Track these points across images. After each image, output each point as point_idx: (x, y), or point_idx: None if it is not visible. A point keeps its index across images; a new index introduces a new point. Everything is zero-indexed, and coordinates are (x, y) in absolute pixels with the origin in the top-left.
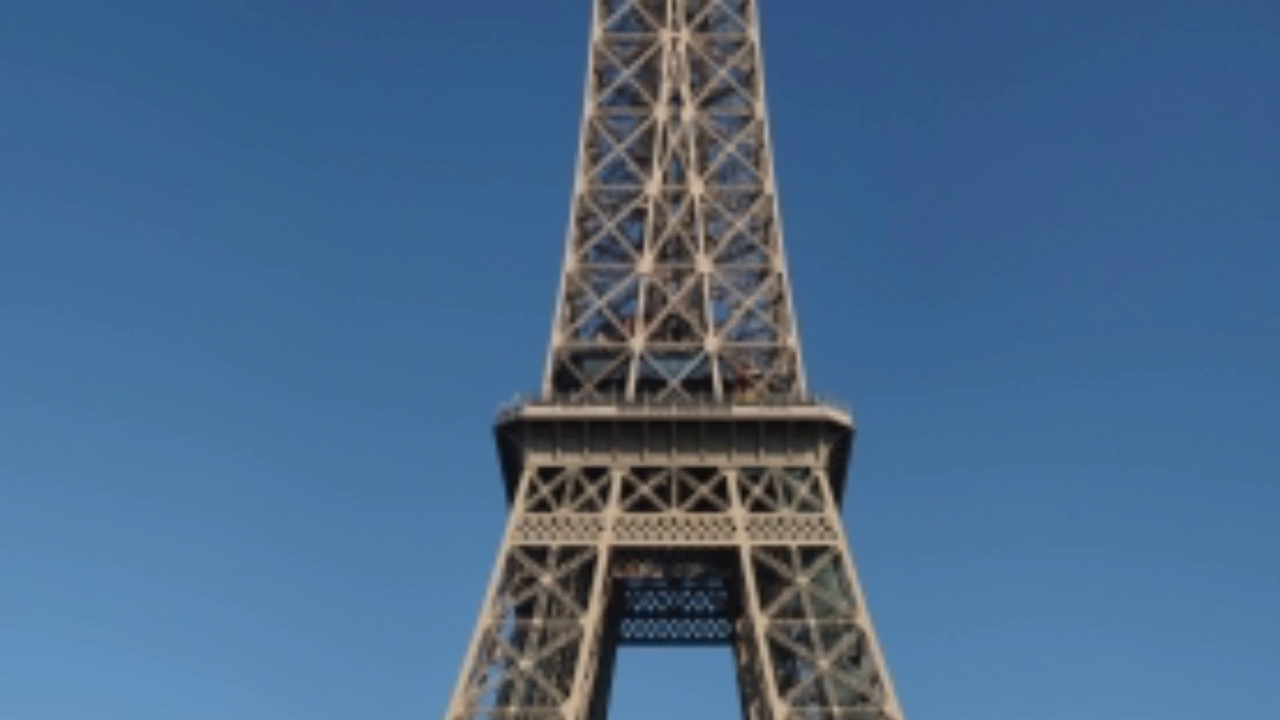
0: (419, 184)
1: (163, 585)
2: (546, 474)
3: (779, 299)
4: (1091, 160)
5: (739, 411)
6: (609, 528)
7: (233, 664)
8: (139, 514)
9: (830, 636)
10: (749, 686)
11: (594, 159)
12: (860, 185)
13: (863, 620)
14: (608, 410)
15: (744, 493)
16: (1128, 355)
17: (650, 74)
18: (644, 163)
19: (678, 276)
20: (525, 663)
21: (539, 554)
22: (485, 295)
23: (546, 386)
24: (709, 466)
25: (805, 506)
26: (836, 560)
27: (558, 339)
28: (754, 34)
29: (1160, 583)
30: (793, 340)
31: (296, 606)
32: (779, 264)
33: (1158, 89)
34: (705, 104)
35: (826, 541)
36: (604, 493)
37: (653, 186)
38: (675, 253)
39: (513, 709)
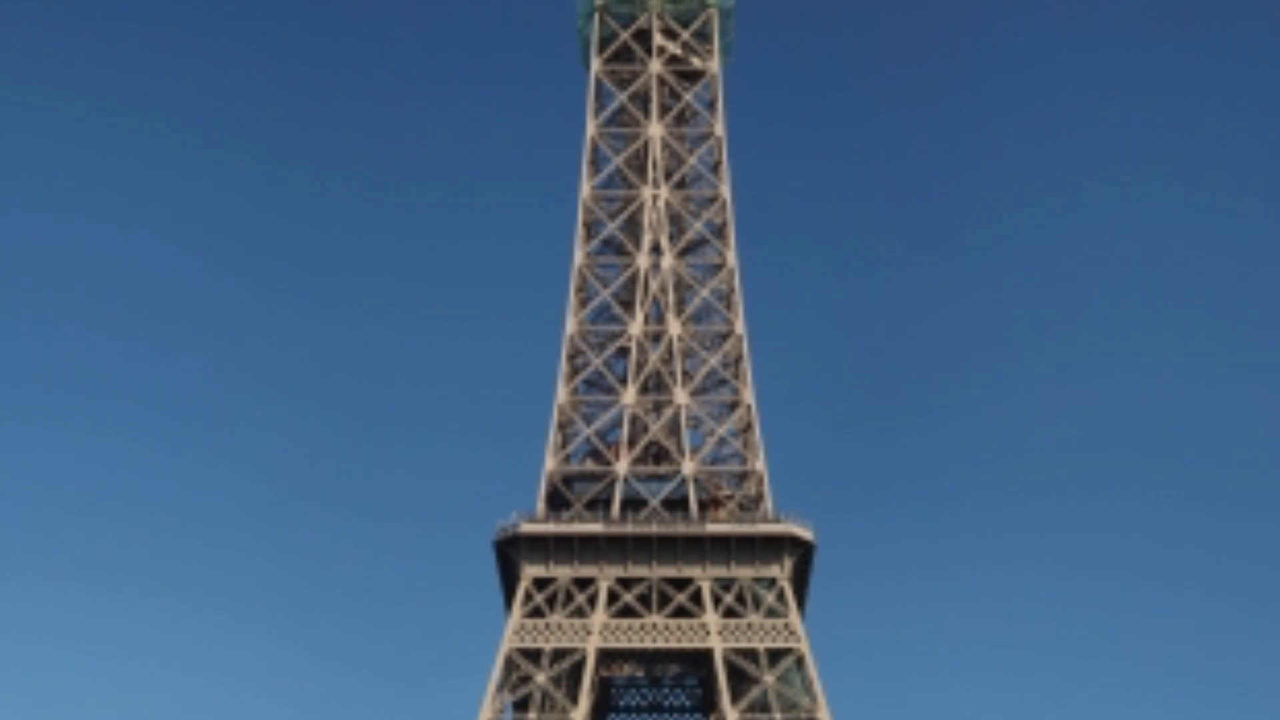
0: (428, 324)
1: (193, 683)
2: (540, 584)
3: (748, 427)
4: (1026, 302)
5: (712, 528)
6: (596, 632)
7: None
8: (173, 618)
9: None
10: None
11: (583, 302)
12: (821, 325)
13: (823, 715)
14: (595, 527)
15: (717, 601)
16: (1060, 476)
17: (633, 226)
18: (628, 306)
19: (658, 407)
20: None
21: (534, 655)
22: (486, 424)
23: (540, 506)
24: (686, 577)
25: (772, 613)
26: (800, 661)
27: (550, 463)
28: (726, 191)
29: (1094, 684)
30: (760, 464)
31: (315, 702)
32: (748, 396)
33: (1084, 238)
34: (682, 253)
35: (791, 644)
36: (592, 601)
37: (635, 327)
38: (655, 386)
39: None
